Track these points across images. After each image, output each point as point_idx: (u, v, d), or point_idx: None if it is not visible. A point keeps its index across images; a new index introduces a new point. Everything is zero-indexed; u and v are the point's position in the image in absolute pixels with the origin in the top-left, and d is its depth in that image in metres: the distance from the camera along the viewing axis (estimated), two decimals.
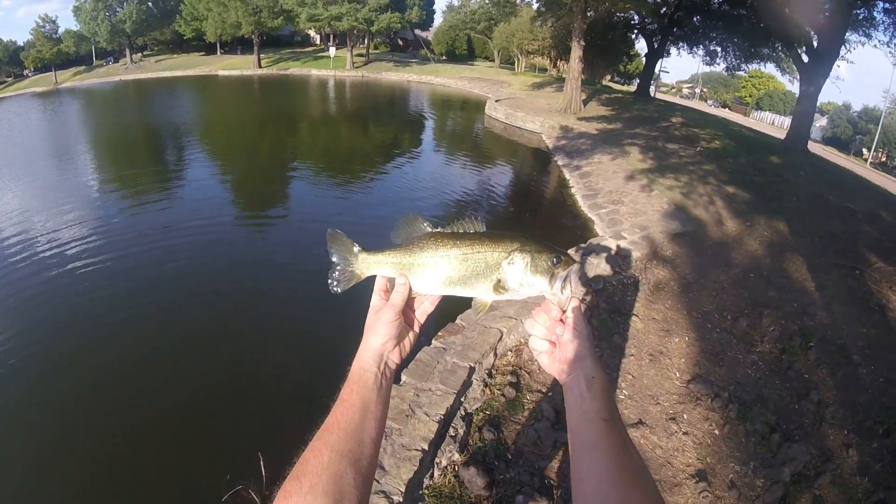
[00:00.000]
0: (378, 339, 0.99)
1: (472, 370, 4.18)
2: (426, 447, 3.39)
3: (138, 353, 5.78)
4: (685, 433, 4.18)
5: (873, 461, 3.98)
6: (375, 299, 1.03)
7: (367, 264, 1.06)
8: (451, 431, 3.70)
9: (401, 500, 3.05)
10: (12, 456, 4.44)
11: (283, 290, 7.32)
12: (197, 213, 10.47)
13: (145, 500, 3.99)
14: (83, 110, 29.90)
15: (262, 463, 3.75)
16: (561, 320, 0.98)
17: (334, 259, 1.08)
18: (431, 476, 3.42)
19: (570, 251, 7.04)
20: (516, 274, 0.96)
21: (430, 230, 1.04)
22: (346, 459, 0.86)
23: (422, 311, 1.07)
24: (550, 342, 0.99)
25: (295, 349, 5.82)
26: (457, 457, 3.58)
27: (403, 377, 4.02)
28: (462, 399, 3.97)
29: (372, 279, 1.06)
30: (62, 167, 15.32)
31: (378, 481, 3.12)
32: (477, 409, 4.02)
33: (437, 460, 3.50)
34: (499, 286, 0.98)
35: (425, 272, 1.01)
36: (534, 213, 10.98)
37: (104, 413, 4.88)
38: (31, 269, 7.88)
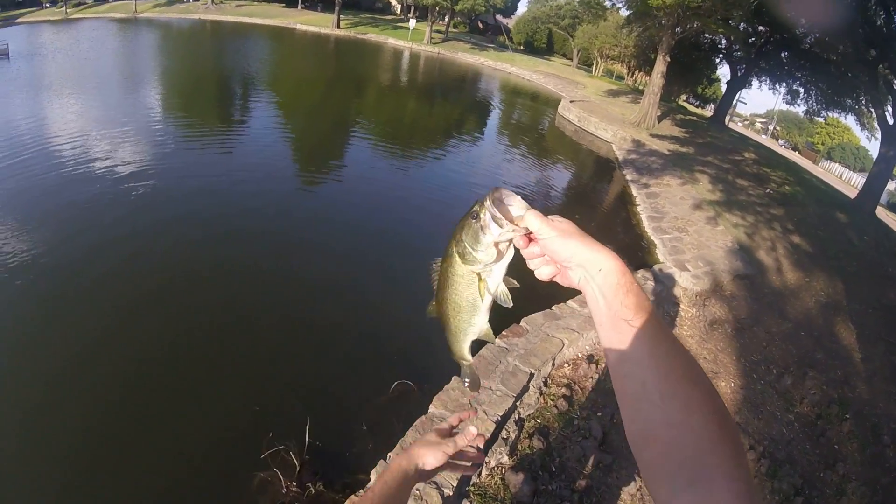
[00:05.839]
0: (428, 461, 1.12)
1: (531, 376, 4.17)
2: (481, 445, 3.40)
3: (196, 297, 5.74)
4: None
5: None
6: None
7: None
8: (504, 434, 3.71)
9: (451, 494, 3.07)
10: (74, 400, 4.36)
11: (341, 251, 7.31)
12: (255, 159, 10.64)
13: (187, 444, 3.97)
14: (158, 42, 30.31)
15: (307, 427, 3.81)
16: (530, 239, 0.87)
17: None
18: (479, 474, 3.44)
19: (638, 273, 6.92)
20: (469, 256, 0.89)
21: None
22: None
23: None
24: (552, 265, 0.88)
25: (353, 319, 5.78)
26: (505, 459, 3.59)
27: None
28: (518, 403, 3.96)
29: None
30: (130, 92, 15.68)
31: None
32: (529, 415, 4.01)
33: (486, 459, 3.51)
34: (478, 276, 0.91)
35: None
36: (595, 225, 10.77)
37: (162, 354, 4.85)
38: (81, 182, 8.08)
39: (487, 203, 0.84)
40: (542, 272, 0.88)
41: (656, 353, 0.72)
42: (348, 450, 3.91)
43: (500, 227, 0.83)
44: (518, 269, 0.92)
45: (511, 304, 0.92)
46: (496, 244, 0.86)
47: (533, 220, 0.84)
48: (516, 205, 0.85)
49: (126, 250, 6.41)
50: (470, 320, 0.96)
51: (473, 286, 0.92)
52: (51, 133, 10.13)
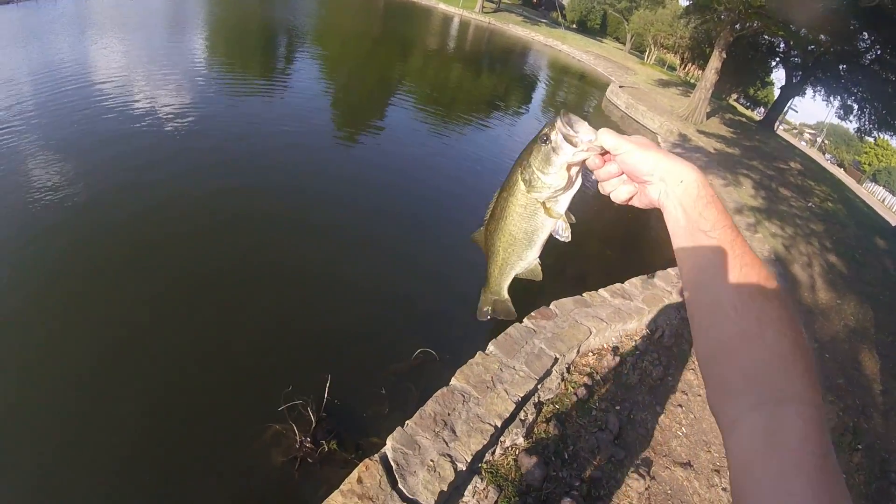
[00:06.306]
0: None
1: (555, 361, 4.11)
2: (499, 424, 3.37)
3: (224, 246, 5.62)
4: (724, 489, 4.08)
5: None
6: None
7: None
8: (522, 415, 3.66)
9: (464, 469, 3.05)
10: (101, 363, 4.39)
11: (375, 211, 7.22)
12: (295, 111, 10.53)
13: (206, 388, 3.96)
14: None
15: (328, 385, 3.80)
16: (605, 160, 0.84)
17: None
18: (493, 453, 3.41)
19: (666, 272, 6.73)
20: (538, 183, 0.85)
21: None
22: None
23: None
24: (629, 184, 0.85)
25: (382, 281, 5.71)
26: (520, 441, 3.55)
27: (491, 347, 3.98)
28: (539, 387, 3.91)
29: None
30: (176, 36, 15.54)
31: (447, 444, 3.12)
32: (549, 400, 3.96)
33: (501, 439, 3.48)
34: (542, 206, 0.88)
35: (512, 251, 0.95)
36: (631, 216, 10.53)
37: (188, 300, 4.78)
38: (118, 125, 7.96)
39: (559, 124, 0.81)
40: (620, 192, 0.85)
41: (733, 265, 0.71)
42: (365, 411, 3.91)
43: (574, 145, 0.81)
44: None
45: (569, 238, 0.89)
46: (568, 167, 0.83)
47: (608, 136, 0.80)
48: (585, 128, 0.82)
49: (157, 194, 6.29)
50: (522, 254, 0.94)
51: (534, 218, 0.89)
52: (93, 73, 10.06)
